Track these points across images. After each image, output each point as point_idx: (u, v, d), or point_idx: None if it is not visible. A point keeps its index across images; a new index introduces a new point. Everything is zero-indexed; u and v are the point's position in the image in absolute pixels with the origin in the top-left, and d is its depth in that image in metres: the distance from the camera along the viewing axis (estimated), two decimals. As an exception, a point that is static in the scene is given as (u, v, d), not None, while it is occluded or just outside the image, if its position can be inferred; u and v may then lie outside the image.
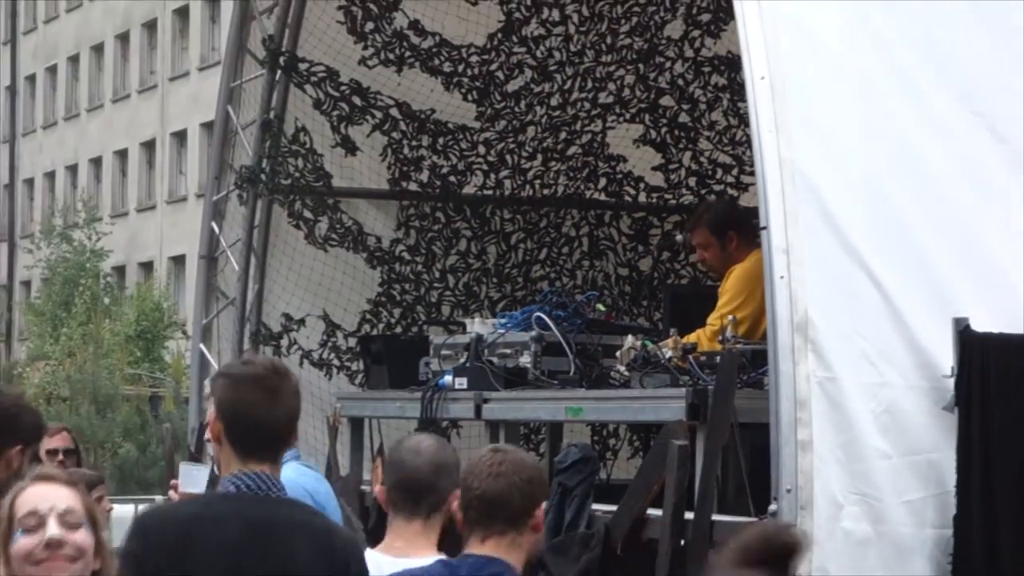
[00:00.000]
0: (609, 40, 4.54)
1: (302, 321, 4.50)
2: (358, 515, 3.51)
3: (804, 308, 2.65)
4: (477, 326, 3.56)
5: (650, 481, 2.83)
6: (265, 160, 4.48)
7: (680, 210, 4.68)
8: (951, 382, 2.64)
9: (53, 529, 1.44)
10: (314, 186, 4.50)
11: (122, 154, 21.09)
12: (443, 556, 1.88)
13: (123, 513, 3.69)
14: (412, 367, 3.70)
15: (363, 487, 3.69)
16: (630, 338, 3.12)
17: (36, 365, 14.54)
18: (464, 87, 4.54)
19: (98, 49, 21.58)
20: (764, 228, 2.71)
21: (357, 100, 4.49)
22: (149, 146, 20.54)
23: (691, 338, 3.21)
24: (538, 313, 3.37)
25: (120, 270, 19.97)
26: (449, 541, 1.91)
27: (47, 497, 1.47)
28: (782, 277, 2.66)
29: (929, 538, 2.60)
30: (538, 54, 4.54)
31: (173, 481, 2.24)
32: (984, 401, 2.61)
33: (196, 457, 3.53)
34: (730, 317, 3.06)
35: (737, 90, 4.48)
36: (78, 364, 12.38)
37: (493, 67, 4.54)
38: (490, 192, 4.65)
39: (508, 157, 4.65)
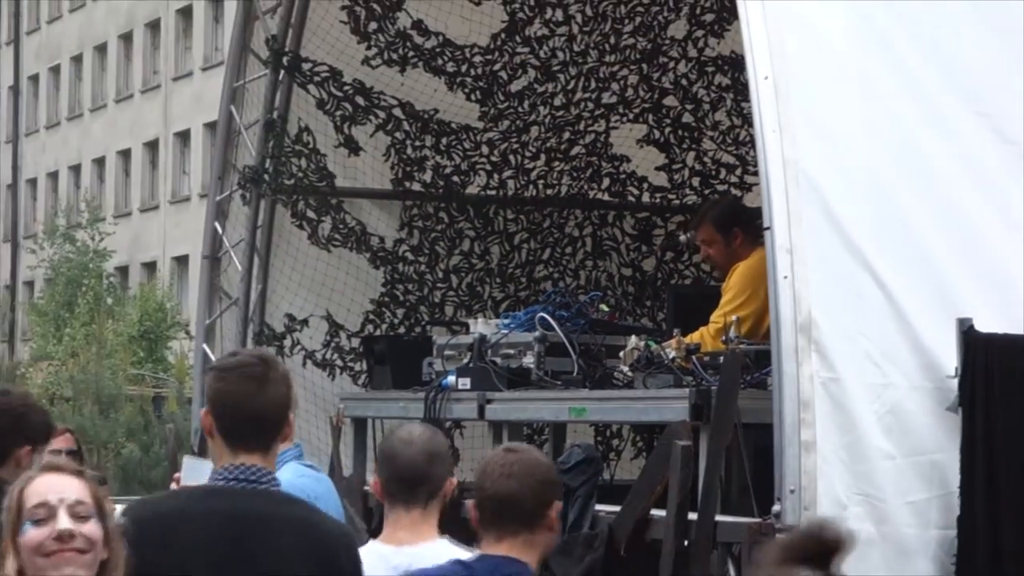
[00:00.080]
0: (613, 40, 4.54)
1: (305, 321, 4.50)
2: (361, 515, 3.52)
3: (808, 308, 2.66)
4: (480, 326, 3.56)
5: (653, 482, 2.83)
6: (268, 160, 4.48)
7: (684, 210, 4.67)
8: (955, 383, 2.64)
9: (64, 522, 1.42)
10: (317, 186, 4.50)
11: (125, 154, 21.11)
12: (447, 538, 1.89)
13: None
14: (415, 367, 3.71)
15: (366, 487, 3.69)
16: (633, 338, 3.13)
17: (39, 365, 14.56)
18: (467, 87, 4.54)
19: (101, 49, 21.61)
20: (768, 228, 2.71)
21: (360, 100, 4.49)
22: (152, 146, 20.56)
23: (694, 336, 3.21)
24: (541, 313, 3.38)
25: (123, 270, 19.99)
26: (448, 525, 1.91)
27: (56, 488, 1.44)
28: (786, 277, 2.67)
29: (933, 539, 2.60)
30: (541, 54, 4.54)
31: (176, 475, 2.23)
32: (988, 402, 2.61)
33: (201, 454, 3.54)
34: (733, 317, 3.05)
35: (741, 90, 4.46)
36: (81, 364, 12.39)
37: (496, 67, 4.54)
38: (493, 192, 4.65)
39: (511, 157, 4.65)
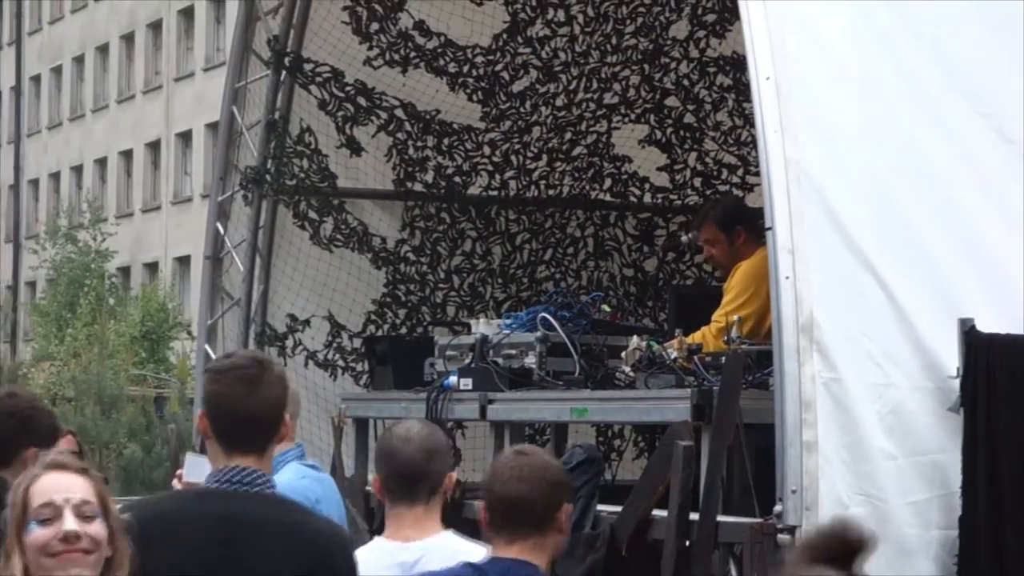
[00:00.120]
0: (614, 40, 4.54)
1: (307, 322, 4.50)
2: (363, 515, 3.52)
3: (809, 309, 2.66)
4: (482, 327, 3.57)
5: (655, 482, 2.83)
6: (270, 161, 4.48)
7: (685, 211, 4.67)
8: (956, 383, 2.64)
9: (70, 523, 1.42)
10: (319, 187, 4.50)
11: (127, 155, 21.12)
12: (452, 531, 1.89)
13: (128, 514, 3.69)
14: (417, 368, 3.71)
15: (368, 488, 3.69)
16: (635, 339, 3.13)
17: (41, 366, 14.58)
18: (469, 87, 4.54)
19: (103, 50, 21.62)
20: (769, 228, 2.71)
21: (362, 100, 4.49)
22: (154, 147, 20.57)
23: (696, 335, 3.21)
24: (543, 314, 3.38)
25: (125, 271, 20.00)
26: (449, 524, 1.91)
27: (62, 487, 1.44)
28: (787, 277, 2.67)
29: (934, 539, 2.60)
30: (543, 54, 4.54)
31: (178, 472, 2.24)
32: (990, 402, 2.61)
33: (203, 453, 3.54)
34: (735, 317, 3.05)
35: (742, 90, 4.46)
36: (83, 365, 12.40)
37: (498, 67, 4.54)
38: (495, 193, 4.65)
39: (513, 158, 4.65)
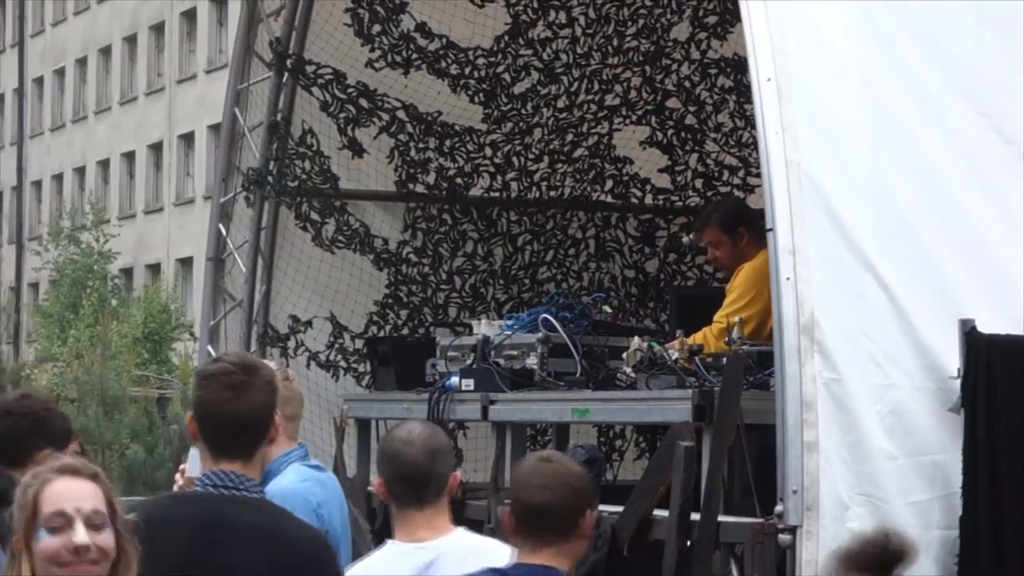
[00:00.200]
0: (616, 42, 4.55)
1: (309, 323, 4.51)
2: (365, 516, 3.53)
3: (810, 309, 2.66)
4: (484, 328, 3.58)
5: (656, 482, 2.84)
6: (272, 162, 4.49)
7: (687, 212, 4.68)
8: (957, 383, 2.65)
9: (81, 536, 1.43)
10: (321, 188, 4.51)
11: (129, 156, 21.15)
12: (464, 528, 1.91)
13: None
14: (419, 368, 3.72)
15: (370, 488, 3.70)
16: (636, 339, 3.14)
17: (44, 367, 14.60)
18: (471, 89, 4.55)
19: (105, 52, 21.65)
20: (770, 229, 2.72)
21: (364, 102, 4.50)
22: (156, 148, 20.60)
23: (697, 336, 3.22)
24: (545, 315, 3.39)
25: (127, 272, 20.02)
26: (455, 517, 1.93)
27: (73, 496, 1.45)
28: (788, 278, 2.67)
29: (935, 539, 2.60)
30: (545, 56, 4.55)
31: (181, 467, 2.25)
32: (990, 402, 2.61)
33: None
34: (736, 318, 3.06)
35: (743, 92, 4.47)
36: (86, 366, 12.42)
37: (500, 69, 4.55)
38: (497, 194, 4.65)
39: (515, 159, 4.66)
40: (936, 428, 2.66)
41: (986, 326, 2.65)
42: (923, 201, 2.80)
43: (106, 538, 1.45)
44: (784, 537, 2.60)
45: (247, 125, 4.54)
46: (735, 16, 4.03)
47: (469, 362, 3.51)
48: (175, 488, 2.18)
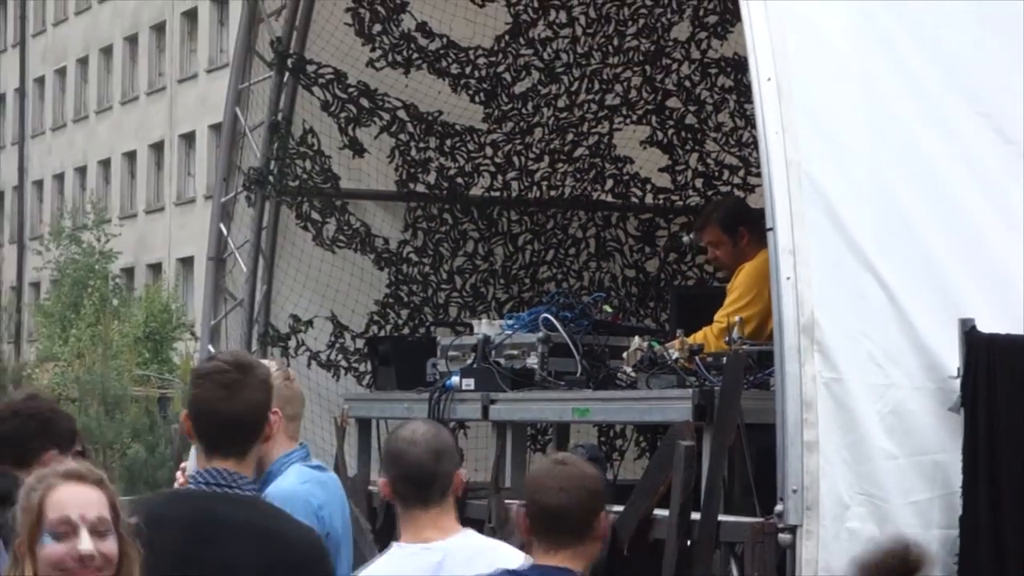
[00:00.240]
0: (616, 42, 4.55)
1: (310, 322, 4.52)
2: (366, 515, 3.54)
3: (810, 309, 2.66)
4: (484, 327, 3.58)
5: (656, 482, 2.84)
6: (273, 162, 4.49)
7: (687, 211, 4.68)
8: (957, 383, 2.65)
9: (86, 544, 1.43)
10: (322, 188, 4.51)
11: (131, 156, 21.16)
12: (471, 530, 1.91)
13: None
14: (419, 368, 3.73)
15: (371, 487, 3.71)
16: (637, 339, 3.14)
17: (45, 366, 14.61)
18: (471, 89, 4.56)
19: (107, 51, 21.66)
20: (770, 229, 2.72)
21: (365, 102, 4.50)
22: (158, 148, 20.61)
23: (697, 336, 3.22)
24: (545, 314, 3.40)
25: (129, 272, 20.04)
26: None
27: (79, 503, 1.45)
28: (788, 278, 2.68)
29: (935, 539, 2.60)
30: (545, 56, 4.56)
31: (182, 464, 2.26)
32: (990, 402, 2.62)
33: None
34: (736, 318, 3.06)
35: (744, 92, 4.47)
36: (87, 365, 12.44)
37: (500, 69, 4.55)
38: (497, 194, 4.66)
39: (515, 159, 4.66)
40: (936, 428, 2.66)
41: (986, 326, 2.65)
42: (923, 201, 2.80)
43: (110, 545, 1.45)
44: (784, 536, 2.60)
45: (248, 125, 4.55)
46: (735, 16, 4.03)
47: (470, 362, 3.52)
48: (176, 486, 2.18)
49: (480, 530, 2.11)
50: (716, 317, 3.31)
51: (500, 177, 4.66)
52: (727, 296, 3.38)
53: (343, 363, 4.52)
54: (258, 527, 1.70)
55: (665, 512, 2.79)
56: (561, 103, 4.61)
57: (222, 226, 4.61)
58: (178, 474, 2.28)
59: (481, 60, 4.54)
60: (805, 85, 2.80)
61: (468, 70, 4.53)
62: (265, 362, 2.26)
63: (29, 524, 1.46)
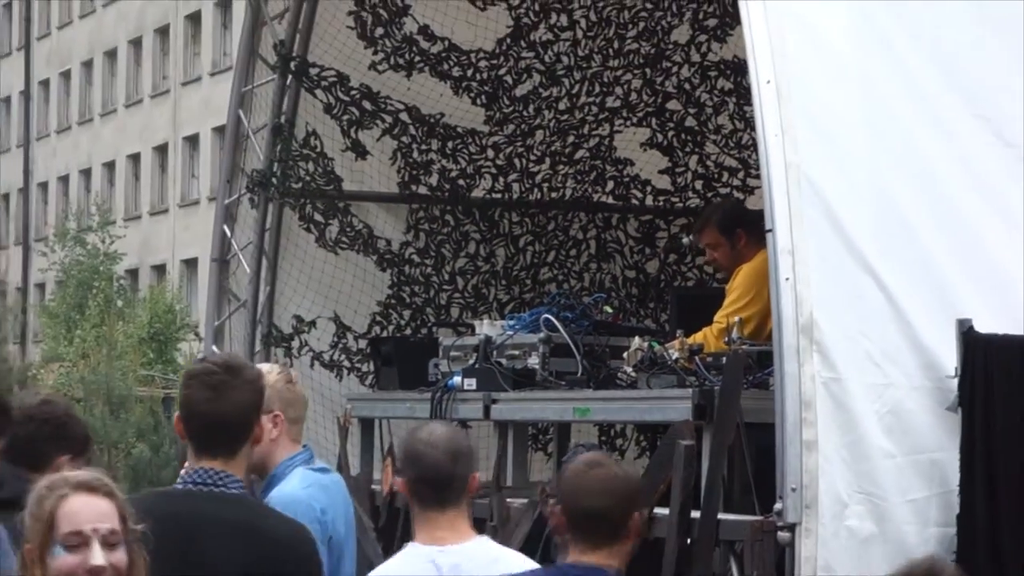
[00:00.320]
0: (616, 45, 4.58)
1: (313, 323, 4.54)
2: (369, 514, 3.56)
3: (809, 309, 2.68)
4: (486, 328, 3.60)
5: (657, 481, 2.86)
6: (276, 164, 4.52)
7: (687, 213, 4.71)
8: (955, 383, 2.66)
9: (98, 558, 1.45)
10: (325, 189, 4.54)
11: (135, 158, 21.22)
12: (486, 537, 1.95)
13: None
14: (422, 368, 3.75)
15: (374, 486, 3.74)
16: (637, 339, 3.16)
17: (50, 366, 14.65)
18: (473, 91, 4.58)
19: (111, 55, 21.74)
20: (770, 230, 2.74)
21: (367, 104, 4.53)
22: (162, 150, 20.66)
23: (697, 336, 3.24)
24: (546, 315, 3.42)
25: (133, 273, 20.09)
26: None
27: (90, 515, 1.47)
28: (787, 279, 2.69)
29: (933, 537, 2.62)
30: (546, 59, 4.58)
31: (186, 465, 2.28)
32: (987, 401, 2.63)
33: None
34: (736, 318, 3.08)
35: (743, 94, 4.49)
36: (92, 365, 12.45)
37: (502, 72, 4.58)
38: (499, 195, 4.68)
39: (516, 161, 4.69)
40: (934, 427, 2.68)
41: (983, 326, 2.67)
42: (921, 202, 2.82)
43: (120, 556, 1.47)
44: (783, 535, 2.62)
45: (251, 127, 4.58)
46: (735, 19, 4.05)
47: (471, 362, 3.54)
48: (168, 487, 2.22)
49: (482, 529, 2.13)
50: (716, 318, 3.33)
51: (501, 179, 4.68)
52: (726, 297, 3.40)
53: (346, 363, 4.54)
54: (243, 524, 1.71)
55: (665, 511, 2.81)
56: (562, 105, 4.63)
57: (226, 228, 4.63)
58: (182, 473, 2.30)
59: (483, 63, 4.57)
60: (804, 87, 2.81)
61: (470, 73, 4.56)
62: (266, 365, 2.29)
63: (40, 533, 1.47)
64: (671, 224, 4.77)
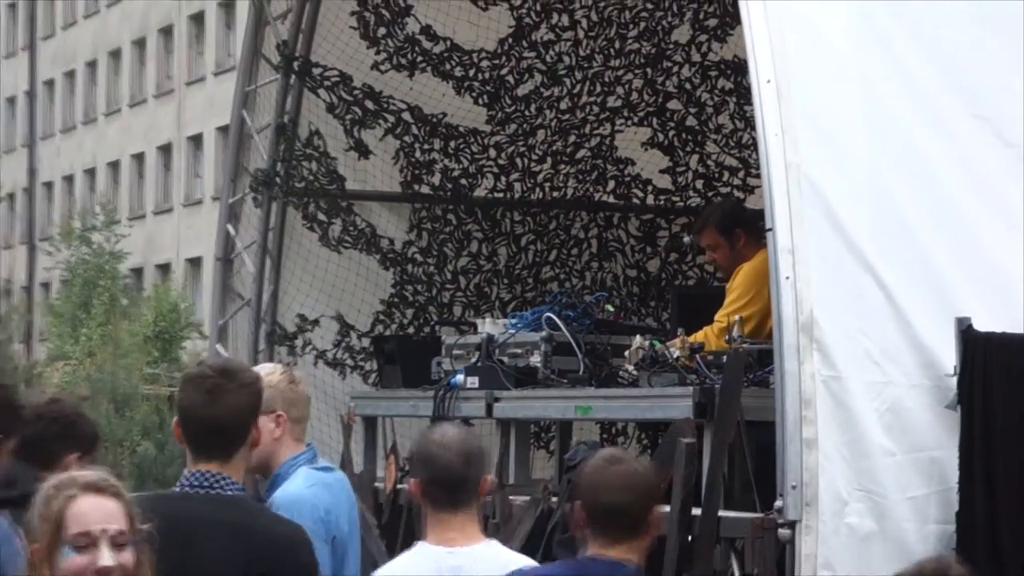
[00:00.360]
0: (617, 45, 4.59)
1: (316, 321, 4.56)
2: (372, 511, 3.58)
3: (809, 308, 2.69)
4: (488, 326, 3.62)
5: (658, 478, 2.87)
6: (280, 163, 4.54)
7: (687, 212, 4.72)
8: (953, 381, 2.67)
9: (107, 559, 1.46)
10: (328, 189, 4.56)
11: (139, 158, 21.25)
12: (496, 540, 1.96)
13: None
14: (424, 367, 3.76)
15: (377, 484, 3.76)
16: (638, 338, 3.18)
17: (56, 365, 14.72)
18: (475, 91, 4.60)
19: (115, 55, 21.76)
20: (770, 230, 2.75)
21: (370, 104, 4.55)
22: (166, 150, 20.71)
23: (698, 335, 3.25)
24: (548, 313, 3.43)
25: (138, 272, 20.13)
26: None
27: (99, 516, 1.48)
28: (787, 277, 2.70)
29: (932, 533, 2.63)
30: (548, 59, 4.60)
31: (187, 468, 2.29)
32: (986, 399, 2.64)
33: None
34: (736, 317, 3.09)
35: (743, 94, 4.50)
36: (97, 364, 12.51)
37: (503, 71, 4.60)
38: (501, 195, 4.70)
39: (518, 160, 4.70)
40: (933, 424, 2.69)
41: (982, 325, 2.68)
42: (921, 202, 2.82)
43: (128, 556, 1.49)
44: (784, 532, 2.63)
45: (255, 127, 4.60)
46: (735, 19, 4.06)
47: (474, 360, 3.56)
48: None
49: (484, 526, 2.15)
50: (716, 317, 3.34)
51: (503, 178, 4.70)
52: (727, 296, 3.41)
53: (349, 362, 4.56)
54: (238, 525, 1.74)
55: (666, 508, 2.81)
56: (563, 105, 4.65)
57: (230, 227, 4.66)
58: (185, 472, 2.31)
59: (485, 63, 4.58)
60: (804, 87, 2.82)
61: (472, 73, 4.57)
62: (269, 365, 2.31)
63: (48, 533, 1.48)
64: (672, 223, 4.78)
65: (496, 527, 3.13)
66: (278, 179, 4.55)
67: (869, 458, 2.67)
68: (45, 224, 22.89)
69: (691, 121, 4.69)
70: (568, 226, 4.74)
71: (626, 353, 3.21)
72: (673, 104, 4.67)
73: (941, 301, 2.73)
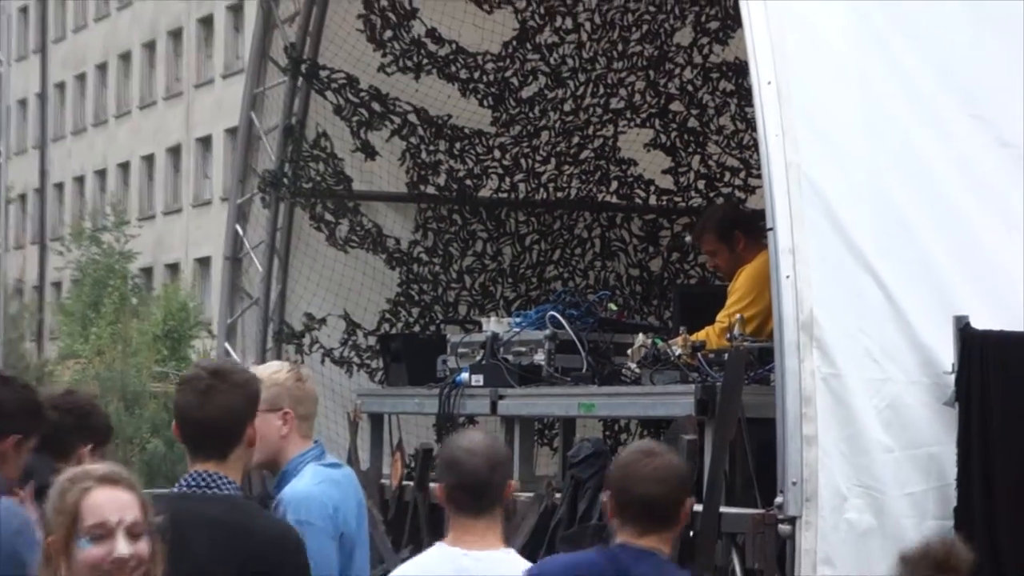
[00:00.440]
0: (620, 47, 4.61)
1: (323, 320, 4.60)
2: (379, 507, 3.63)
3: (809, 307, 2.71)
4: (493, 325, 3.65)
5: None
6: (287, 164, 4.57)
7: (689, 212, 4.74)
8: (952, 378, 2.69)
9: (123, 548, 1.48)
10: (335, 189, 4.59)
11: (149, 159, 21.36)
12: (512, 550, 1.97)
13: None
14: (430, 365, 3.80)
15: (383, 480, 3.80)
16: (641, 336, 3.20)
17: (66, 363, 14.81)
18: (480, 93, 4.63)
19: (125, 57, 21.88)
20: (770, 229, 2.77)
21: (376, 106, 4.58)
22: (175, 151, 20.80)
23: (700, 335, 3.27)
24: (552, 312, 3.46)
25: (147, 271, 20.23)
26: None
27: (115, 508, 1.50)
28: (788, 277, 2.72)
29: (930, 529, 2.64)
30: (552, 61, 4.62)
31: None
32: (984, 396, 2.66)
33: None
34: (738, 316, 3.11)
35: (744, 95, 4.52)
36: (107, 362, 12.57)
37: (508, 74, 4.62)
38: (505, 195, 4.73)
39: (523, 161, 4.73)
40: (931, 421, 2.70)
41: (980, 322, 2.69)
42: (920, 202, 2.84)
43: (143, 546, 1.51)
44: (784, 527, 2.65)
45: (263, 128, 4.63)
46: (736, 21, 4.08)
47: (479, 358, 3.58)
48: None
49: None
50: (718, 318, 3.36)
51: (508, 179, 4.72)
52: (728, 298, 3.43)
53: (356, 360, 4.59)
54: (231, 524, 1.75)
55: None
56: (567, 107, 4.67)
57: (238, 227, 4.69)
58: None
59: (489, 65, 4.61)
60: (804, 87, 2.84)
61: (476, 75, 4.60)
62: (276, 363, 2.32)
63: (65, 526, 1.49)
64: (674, 223, 4.80)
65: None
66: (286, 180, 4.58)
67: (868, 454, 2.69)
68: (56, 224, 23.02)
69: (693, 122, 4.71)
70: (572, 226, 4.76)
71: (629, 351, 3.23)
72: (675, 106, 4.69)
73: (940, 300, 2.75)
